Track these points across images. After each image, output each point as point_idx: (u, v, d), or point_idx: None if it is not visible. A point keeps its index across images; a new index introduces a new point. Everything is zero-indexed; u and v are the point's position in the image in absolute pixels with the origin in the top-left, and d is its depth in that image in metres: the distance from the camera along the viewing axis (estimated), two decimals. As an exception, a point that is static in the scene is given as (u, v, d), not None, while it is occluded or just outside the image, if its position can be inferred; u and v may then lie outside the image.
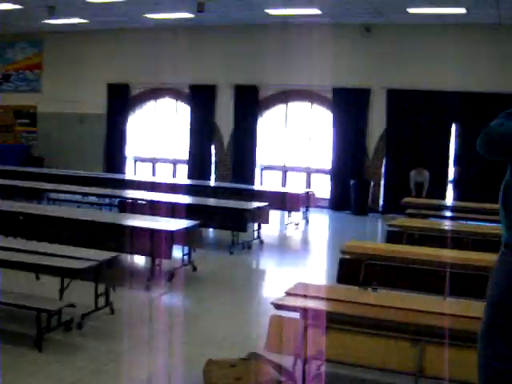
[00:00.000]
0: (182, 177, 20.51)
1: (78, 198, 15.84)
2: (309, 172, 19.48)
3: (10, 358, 6.54)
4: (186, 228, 10.22)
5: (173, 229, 9.93)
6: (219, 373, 4.95)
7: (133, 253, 10.64)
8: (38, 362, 6.60)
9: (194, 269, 10.59)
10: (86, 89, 21.57)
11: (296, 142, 19.72)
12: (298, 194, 15.58)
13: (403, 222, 11.11)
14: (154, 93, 21.03)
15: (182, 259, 10.53)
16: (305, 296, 6.22)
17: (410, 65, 17.50)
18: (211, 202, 13.87)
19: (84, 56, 21.54)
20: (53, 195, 16.21)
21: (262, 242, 13.27)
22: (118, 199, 14.78)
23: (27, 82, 22.95)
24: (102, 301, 8.08)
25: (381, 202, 18.39)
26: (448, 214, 14.47)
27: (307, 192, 16.28)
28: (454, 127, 17.48)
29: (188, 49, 19.44)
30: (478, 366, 4.11)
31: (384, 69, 17.81)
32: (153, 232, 9.82)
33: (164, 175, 21.09)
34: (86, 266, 7.46)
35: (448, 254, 8.03)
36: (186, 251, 10.59)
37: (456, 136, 17.48)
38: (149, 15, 18.05)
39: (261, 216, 13.05)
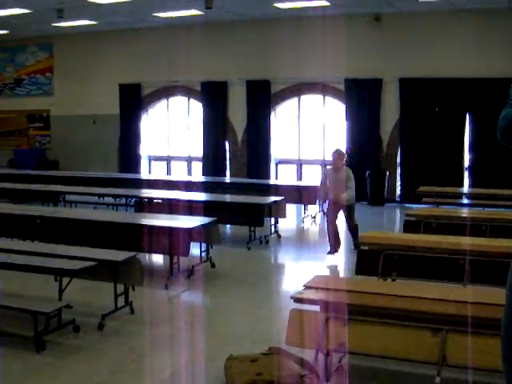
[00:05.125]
0: (197, 174, 20.49)
1: (94, 199, 15.86)
2: (324, 164, 19.40)
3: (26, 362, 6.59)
4: (203, 225, 10.22)
5: (190, 226, 9.92)
6: (240, 368, 4.94)
7: (151, 252, 10.66)
8: (55, 364, 6.63)
9: (213, 265, 10.58)
10: (98, 90, 21.60)
11: (310, 134, 19.66)
12: (314, 187, 15.47)
13: (420, 211, 11.08)
14: (166, 91, 21.01)
15: (200, 256, 10.52)
16: (324, 289, 6.21)
17: (422, 53, 17.39)
18: (227, 198, 13.86)
19: (94, 57, 21.58)
20: (69, 197, 16.26)
21: (279, 236, 13.26)
22: (133, 199, 14.80)
23: (39, 86, 23.03)
24: (121, 301, 8.10)
25: (397, 191, 18.31)
26: (465, 201, 14.40)
27: (323, 184, 16.24)
28: (468, 114, 17.33)
29: (199, 46, 19.42)
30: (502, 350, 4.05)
31: (396, 58, 17.71)
32: (170, 230, 9.82)
33: (179, 173, 21.08)
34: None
35: (466, 242, 8.00)
36: (203, 248, 10.59)
37: (470, 122, 17.36)
38: (158, 14, 18.04)
39: (277, 210, 13.03)
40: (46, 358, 6.79)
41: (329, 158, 18.84)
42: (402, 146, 18.00)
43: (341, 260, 11.83)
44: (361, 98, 18.19)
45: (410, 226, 10.32)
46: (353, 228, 11.72)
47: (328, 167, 12.29)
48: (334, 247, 11.62)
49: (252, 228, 12.60)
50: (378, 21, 17.73)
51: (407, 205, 16.68)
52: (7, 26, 19.84)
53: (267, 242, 12.72)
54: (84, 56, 21.77)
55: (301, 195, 15.08)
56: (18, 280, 9.05)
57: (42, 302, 7.47)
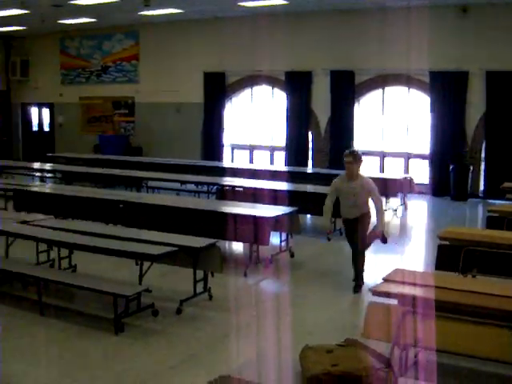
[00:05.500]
0: (280, 164, 20.50)
1: (176, 185, 16.03)
2: (407, 157, 19.20)
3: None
4: (284, 214, 10.23)
5: (271, 215, 9.96)
6: (315, 358, 4.94)
7: (231, 239, 10.73)
8: (133, 346, 6.76)
9: (292, 255, 10.60)
10: (183, 78, 21.79)
11: (394, 127, 19.45)
12: (396, 180, 15.37)
13: (503, 208, 10.86)
14: (250, 80, 21.06)
15: (280, 245, 10.56)
16: (403, 282, 6.16)
17: (510, 45, 16.99)
18: (309, 188, 13.81)
19: (180, 45, 21.77)
20: (152, 183, 16.48)
21: (359, 228, 13.16)
22: (215, 186, 14.91)
23: (125, 73, 23.36)
24: (200, 287, 8.19)
25: (481, 186, 17.99)
26: (551, 198, 14.05)
27: (405, 177, 16.06)
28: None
29: (283, 35, 19.41)
30: None
31: (482, 50, 17.31)
32: (251, 219, 9.88)
33: (261, 162, 21.11)
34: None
35: (550, 240, 7.83)
36: (283, 237, 10.61)
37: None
38: (243, 3, 18.08)
39: (359, 202, 12.93)
40: (124, 339, 6.94)
41: (412, 150, 18.68)
42: (487, 140, 17.65)
43: (421, 254, 11.71)
44: (446, 90, 17.90)
45: (492, 223, 10.14)
46: (360, 251, 9.21)
47: (337, 177, 9.60)
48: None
49: (333, 219, 12.56)
50: (465, 12, 17.42)
51: (490, 201, 16.38)
52: (95, 14, 20.17)
53: (347, 234, 12.65)
54: (169, 44, 21.99)
55: (383, 187, 14.91)
56: (100, 263, 9.25)
57: (123, 285, 7.63)
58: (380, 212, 9.06)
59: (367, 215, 9.26)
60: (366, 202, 9.22)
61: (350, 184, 9.10)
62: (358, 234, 9.12)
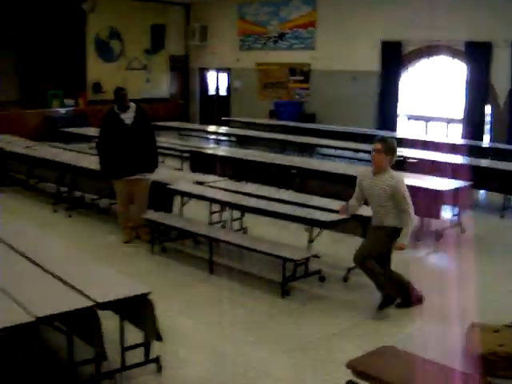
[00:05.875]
0: (455, 136, 20.03)
1: (349, 154, 15.99)
2: None
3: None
4: (458, 188, 10.01)
5: (443, 188, 9.78)
6: (482, 337, 4.85)
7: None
8: (298, 310, 6.84)
9: (463, 230, 10.36)
10: (359, 46, 21.56)
11: None
12: None
13: None
14: (428, 50, 20.58)
15: (451, 220, 10.36)
16: None
17: None
18: (484, 163, 13.41)
19: (357, 13, 21.51)
20: (324, 151, 16.51)
21: (535, 206, 12.71)
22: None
23: (301, 40, 23.40)
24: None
25: None
26: None
27: None
28: None
29: (462, 4, 18.82)
30: None
31: None
32: (423, 191, 9.71)
33: (436, 134, 20.68)
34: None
35: None
36: (455, 212, 10.40)
37: None
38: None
39: (536, 179, 12.46)
40: (289, 303, 7.05)
41: None
42: None
43: None
44: None
45: None
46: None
47: (362, 169, 8.00)
48: (400, 294, 7.19)
49: (507, 196, 12.18)
50: None
51: None
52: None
53: (522, 212, 12.25)
54: (346, 11, 21.76)
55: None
56: (269, 226, 9.41)
57: (292, 249, 7.70)
58: (405, 223, 6.93)
59: (394, 230, 7.01)
60: (394, 213, 7.00)
61: (374, 179, 7.03)
62: (366, 244, 7.16)
